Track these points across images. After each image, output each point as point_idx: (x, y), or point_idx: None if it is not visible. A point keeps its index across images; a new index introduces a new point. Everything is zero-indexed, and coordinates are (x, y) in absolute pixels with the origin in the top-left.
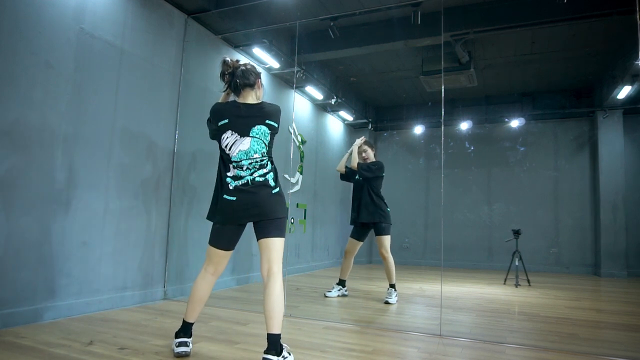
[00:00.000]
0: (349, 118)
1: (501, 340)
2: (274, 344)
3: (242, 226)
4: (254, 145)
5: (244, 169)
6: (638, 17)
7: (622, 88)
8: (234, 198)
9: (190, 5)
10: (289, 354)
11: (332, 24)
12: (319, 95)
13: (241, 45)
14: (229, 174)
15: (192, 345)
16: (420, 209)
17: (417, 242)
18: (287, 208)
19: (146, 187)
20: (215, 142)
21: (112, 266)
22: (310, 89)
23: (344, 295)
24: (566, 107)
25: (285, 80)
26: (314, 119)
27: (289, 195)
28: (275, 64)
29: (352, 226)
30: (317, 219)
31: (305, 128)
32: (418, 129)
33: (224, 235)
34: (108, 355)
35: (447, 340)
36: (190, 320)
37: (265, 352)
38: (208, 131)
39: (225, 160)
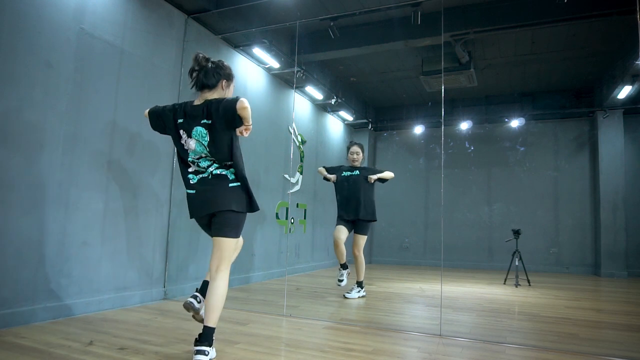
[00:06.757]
0: (349, 118)
1: (501, 340)
2: (208, 335)
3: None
4: (197, 147)
5: (202, 164)
6: (638, 17)
7: (622, 88)
8: (194, 191)
9: (190, 5)
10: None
11: (332, 24)
12: (319, 95)
13: (241, 45)
14: (189, 169)
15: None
16: (420, 209)
17: (417, 242)
18: (250, 205)
19: (146, 187)
20: None
21: (112, 266)
22: (310, 89)
23: (347, 275)
24: (566, 107)
25: (285, 80)
26: (314, 119)
27: (289, 196)
28: (275, 64)
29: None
30: (317, 219)
31: (305, 128)
32: (418, 129)
33: (203, 227)
34: (108, 355)
35: (447, 340)
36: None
37: (198, 344)
38: None
39: (183, 158)
